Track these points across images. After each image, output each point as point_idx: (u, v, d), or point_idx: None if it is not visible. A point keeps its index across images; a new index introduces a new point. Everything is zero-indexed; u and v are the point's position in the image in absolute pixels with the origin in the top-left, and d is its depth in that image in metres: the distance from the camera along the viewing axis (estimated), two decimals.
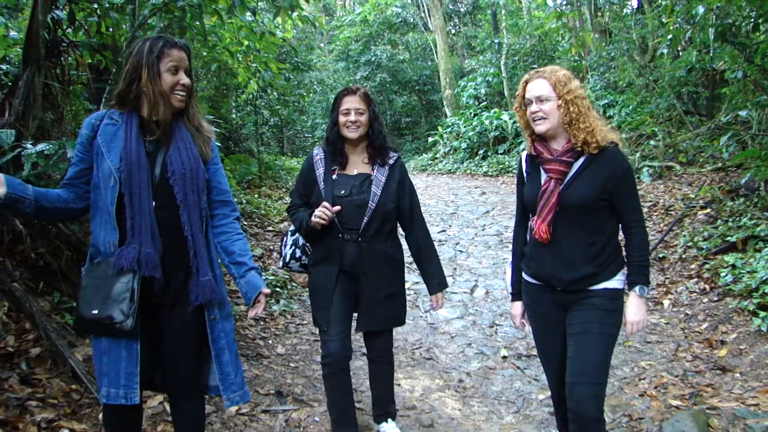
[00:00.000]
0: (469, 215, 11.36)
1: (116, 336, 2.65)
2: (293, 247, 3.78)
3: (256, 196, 12.22)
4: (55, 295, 4.60)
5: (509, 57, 20.53)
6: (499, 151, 17.84)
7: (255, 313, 2.92)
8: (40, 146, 4.47)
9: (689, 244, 7.42)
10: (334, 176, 3.62)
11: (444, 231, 10.20)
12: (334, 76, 27.65)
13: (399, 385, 4.86)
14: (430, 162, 20.64)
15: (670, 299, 6.49)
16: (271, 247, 8.70)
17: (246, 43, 10.34)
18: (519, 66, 20.87)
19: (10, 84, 6.24)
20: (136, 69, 2.70)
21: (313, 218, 3.49)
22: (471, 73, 23.23)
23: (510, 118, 17.59)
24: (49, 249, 4.83)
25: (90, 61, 6.85)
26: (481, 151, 18.46)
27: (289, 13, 9.02)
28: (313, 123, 26.90)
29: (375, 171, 3.63)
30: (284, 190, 13.93)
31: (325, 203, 3.48)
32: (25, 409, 3.44)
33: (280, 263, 3.87)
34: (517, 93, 3.13)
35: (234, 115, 15.67)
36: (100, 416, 3.64)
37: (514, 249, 3.37)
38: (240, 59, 10.67)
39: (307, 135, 24.68)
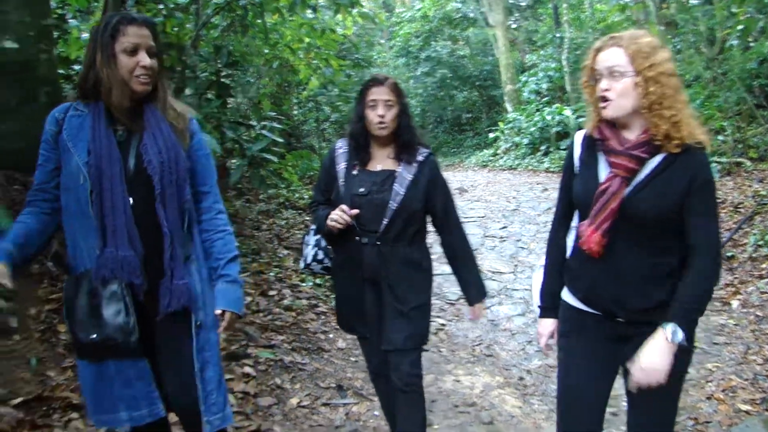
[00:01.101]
0: (531, 212, 11.23)
1: (123, 357, 2.40)
2: (315, 248, 3.43)
3: None
4: None
5: (571, 51, 20.20)
6: (561, 147, 17.55)
7: (219, 330, 2.56)
8: None
9: (760, 242, 7.17)
10: (354, 172, 3.26)
11: (505, 227, 10.12)
12: (394, 72, 27.69)
13: (459, 381, 4.86)
14: (491, 158, 20.49)
15: (739, 300, 6.30)
16: None
17: (307, 40, 10.46)
18: (581, 60, 20.50)
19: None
20: (92, 53, 2.39)
21: (328, 221, 3.17)
22: (532, 68, 22.95)
23: (572, 114, 17.32)
24: None
25: None
26: (542, 147, 18.22)
27: (349, 9, 9.10)
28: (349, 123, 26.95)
29: (400, 168, 3.22)
30: None
31: (342, 206, 3.16)
32: None
33: (302, 264, 3.54)
34: (584, 63, 2.46)
35: (296, 112, 15.87)
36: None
37: (548, 255, 2.72)
38: (301, 56, 10.79)
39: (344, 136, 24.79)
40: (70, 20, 8.10)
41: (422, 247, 3.33)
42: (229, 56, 7.24)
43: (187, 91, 7.08)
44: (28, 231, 2.41)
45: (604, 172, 2.40)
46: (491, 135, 21.92)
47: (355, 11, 11.79)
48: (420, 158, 3.24)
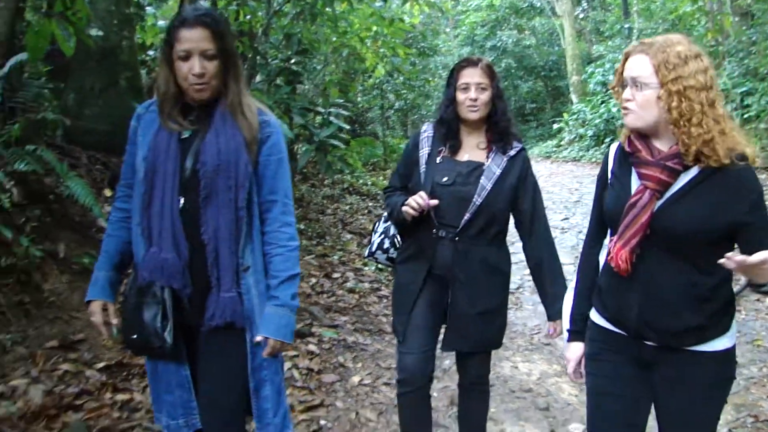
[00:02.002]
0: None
1: (165, 359, 2.32)
2: (383, 236, 3.18)
3: (380, 178, 12.50)
4: None
5: None
6: None
7: (264, 354, 2.31)
8: None
9: None
10: (439, 159, 2.98)
11: (567, 219, 10.12)
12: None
13: (517, 367, 4.94)
14: (554, 149, 20.36)
15: None
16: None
17: (375, 28, 10.59)
18: None
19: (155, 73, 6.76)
20: (160, 56, 2.33)
21: (404, 206, 2.88)
22: (599, 59, 22.64)
23: None
24: None
25: None
26: (607, 139, 17.98)
27: None
28: (438, 107, 26.95)
29: (489, 160, 2.93)
30: None
31: (421, 192, 2.86)
32: None
33: (366, 252, 3.32)
34: (616, 69, 2.29)
35: (360, 99, 16.05)
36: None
37: (580, 274, 2.53)
38: (368, 44, 10.93)
39: (431, 120, 24.81)
40: (147, 7, 8.39)
41: (503, 248, 3.06)
42: (299, 44, 7.42)
43: (258, 78, 7.31)
44: (120, 246, 2.38)
45: (635, 185, 2.20)
46: (555, 126, 21.75)
47: (421, 0, 11.90)
48: (512, 152, 2.97)
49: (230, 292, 2.26)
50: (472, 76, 2.90)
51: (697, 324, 2.11)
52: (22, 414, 3.01)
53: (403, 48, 11.20)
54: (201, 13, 2.25)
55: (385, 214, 3.23)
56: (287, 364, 4.28)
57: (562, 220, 10.01)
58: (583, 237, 2.56)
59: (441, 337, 3.11)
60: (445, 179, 2.92)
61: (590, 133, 18.70)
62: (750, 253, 1.91)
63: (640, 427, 2.33)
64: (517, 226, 3.05)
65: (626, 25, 21.11)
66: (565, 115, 20.90)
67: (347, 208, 9.29)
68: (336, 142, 6.99)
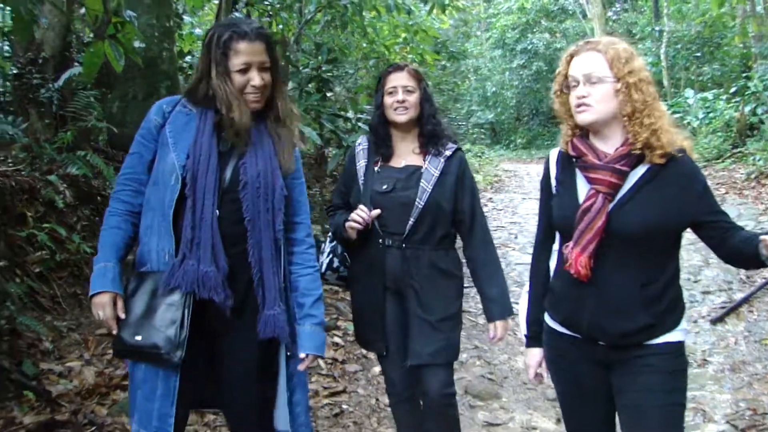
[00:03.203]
0: None
1: (157, 366, 2.24)
2: (331, 255, 3.10)
3: None
4: None
5: (670, 45, 19.82)
6: None
7: (300, 367, 2.42)
8: None
9: None
10: (376, 168, 2.97)
11: None
12: (490, 63, 27.82)
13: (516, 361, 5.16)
14: None
15: None
16: None
17: (403, 35, 10.88)
18: (680, 55, 20.11)
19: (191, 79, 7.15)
20: (206, 65, 2.28)
21: (347, 223, 2.88)
22: None
23: (668, 109, 17.05)
24: None
25: None
26: None
27: (445, 4, 9.47)
28: (469, 110, 27.20)
29: (426, 163, 2.90)
30: None
31: (361, 206, 2.87)
32: None
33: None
34: (557, 71, 2.29)
35: None
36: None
37: (532, 281, 2.53)
38: (397, 50, 11.21)
39: (461, 123, 25.02)
40: (184, 16, 8.79)
41: (451, 252, 3.00)
42: (329, 53, 7.76)
43: (290, 85, 7.66)
44: (125, 240, 2.33)
45: (583, 190, 2.22)
46: None
47: (448, 2, 12.14)
48: (447, 153, 2.93)
49: (274, 308, 2.29)
50: (398, 79, 2.91)
51: (646, 323, 2.13)
52: (77, 391, 3.39)
53: (431, 54, 11.49)
54: (258, 27, 2.31)
55: (330, 234, 3.15)
56: None
57: None
58: None
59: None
60: (384, 187, 2.91)
61: None
62: (713, 238, 2.15)
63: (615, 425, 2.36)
64: (456, 226, 2.99)
65: (657, 28, 21.07)
66: None
67: None
68: None
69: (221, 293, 2.21)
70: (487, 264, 2.97)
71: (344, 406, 4.06)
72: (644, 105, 2.10)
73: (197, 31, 8.99)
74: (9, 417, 3.07)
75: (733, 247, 2.13)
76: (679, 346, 2.20)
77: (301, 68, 7.78)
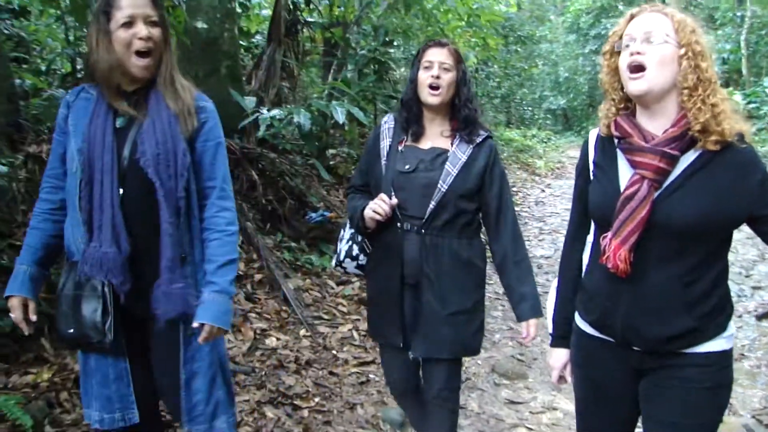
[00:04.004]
0: None
1: (102, 353, 2.25)
2: (350, 243, 2.96)
3: None
4: (277, 235, 5.62)
5: (753, 31, 19.13)
6: None
7: (200, 340, 2.21)
8: (273, 112, 5.42)
9: None
10: (401, 148, 2.81)
11: None
12: (564, 48, 27.44)
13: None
14: None
15: None
16: None
17: (466, 18, 10.91)
18: (763, 41, 19.41)
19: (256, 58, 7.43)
20: (92, 38, 2.16)
21: (366, 211, 2.74)
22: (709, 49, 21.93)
23: (743, 99, 16.55)
24: (277, 197, 5.86)
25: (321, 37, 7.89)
26: None
27: None
28: (542, 95, 26.90)
29: (454, 147, 2.74)
30: None
31: (382, 195, 2.71)
32: (247, 318, 4.40)
33: (333, 262, 3.09)
34: (612, 31, 2.03)
35: None
36: (301, 332, 4.55)
37: (562, 275, 2.33)
38: (459, 33, 11.26)
39: (527, 107, 24.76)
40: None
41: (474, 243, 2.82)
42: (385, 35, 7.91)
43: (349, 67, 7.86)
44: (45, 240, 2.29)
45: (626, 174, 1.98)
46: None
47: None
48: (478, 140, 2.76)
49: (178, 282, 2.17)
50: (436, 54, 2.74)
51: (688, 328, 1.91)
52: None
53: (494, 38, 11.52)
54: None
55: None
56: (347, 326, 4.83)
57: None
58: None
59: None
60: (407, 167, 2.75)
61: None
62: (722, 252, 1.92)
63: None
64: (483, 218, 2.85)
65: (738, 13, 20.39)
66: None
67: None
68: None
69: (119, 276, 2.13)
70: (516, 261, 2.77)
71: (371, 376, 4.24)
72: (708, 82, 1.83)
73: (265, 12, 9.26)
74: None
75: None
76: (725, 356, 1.96)
77: (358, 50, 7.94)
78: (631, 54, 1.87)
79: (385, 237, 2.79)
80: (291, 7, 7.23)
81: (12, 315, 2.24)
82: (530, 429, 3.83)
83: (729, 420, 4.05)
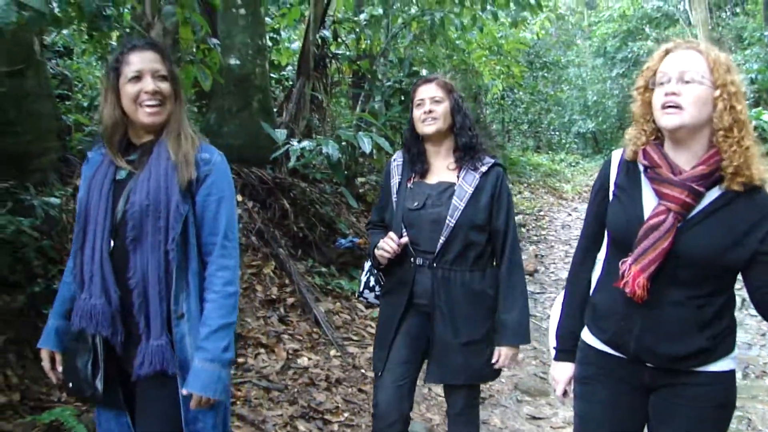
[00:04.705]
0: None
1: (102, 407, 2.23)
2: (368, 275, 3.07)
3: None
4: (308, 261, 5.87)
5: None
6: None
7: (191, 405, 2.10)
8: (304, 143, 5.68)
9: None
10: (410, 185, 2.88)
11: None
12: (591, 72, 27.52)
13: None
14: None
15: None
16: None
17: (489, 47, 11.18)
18: None
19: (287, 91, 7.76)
20: (103, 97, 2.22)
21: (376, 251, 2.83)
22: (737, 68, 21.86)
23: None
24: (307, 224, 6.12)
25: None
26: None
27: (537, 13, 9.68)
28: (571, 119, 26.96)
29: (460, 179, 2.79)
30: (525, 185, 14.65)
31: (391, 233, 2.80)
32: (280, 339, 4.64)
33: (357, 293, 3.20)
34: (646, 66, 2.05)
35: (488, 111, 16.65)
36: (331, 352, 4.77)
37: (569, 290, 2.35)
38: (484, 62, 11.52)
39: (554, 132, 24.84)
40: (282, 32, 9.42)
41: (487, 273, 2.84)
42: (410, 67, 8.17)
43: (376, 98, 8.13)
44: (71, 292, 2.27)
45: (650, 201, 2.02)
46: None
47: (543, 16, 12.35)
48: (483, 168, 2.81)
49: (159, 339, 2.09)
50: (426, 91, 2.82)
51: (700, 348, 1.98)
52: None
53: (519, 66, 11.75)
54: (150, 40, 2.26)
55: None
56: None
57: None
58: None
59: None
60: (415, 204, 2.82)
61: None
62: (756, 283, 1.94)
63: None
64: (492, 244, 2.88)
65: (766, 33, 20.35)
66: None
67: None
68: None
69: (108, 328, 2.09)
70: (510, 288, 2.81)
71: None
72: (743, 124, 1.88)
73: (294, 45, 9.60)
74: None
75: None
76: (731, 375, 2.06)
77: (384, 82, 8.21)
78: (666, 94, 1.90)
79: (398, 271, 2.87)
80: (319, 41, 7.53)
81: (43, 364, 2.31)
82: None
83: None
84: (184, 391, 2.09)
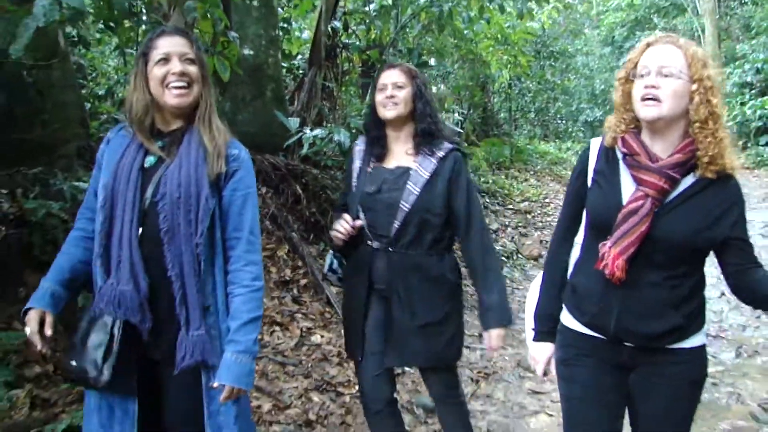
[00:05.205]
0: None
1: (103, 392, 2.15)
2: (332, 257, 3.07)
3: (503, 177, 13.18)
4: (320, 244, 6.10)
5: None
6: (761, 143, 17.01)
7: (221, 399, 2.12)
8: (316, 131, 5.88)
9: None
10: (369, 169, 2.90)
11: None
12: (599, 61, 27.56)
13: None
14: None
15: None
16: (507, 223, 9.74)
17: (498, 36, 11.29)
18: None
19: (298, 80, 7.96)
20: (132, 79, 2.23)
21: (331, 232, 2.89)
22: (743, 58, 21.95)
23: None
24: (319, 209, 6.35)
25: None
26: (740, 142, 17.65)
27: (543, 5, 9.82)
28: (578, 108, 27.04)
29: (417, 164, 2.79)
30: (531, 172, 14.80)
31: (345, 215, 2.85)
32: (294, 318, 4.89)
33: (322, 275, 3.10)
34: (628, 58, 2.15)
35: (496, 100, 16.76)
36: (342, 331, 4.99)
37: (547, 272, 2.43)
38: (491, 51, 11.64)
39: (559, 120, 24.90)
40: (293, 22, 9.59)
41: (445, 257, 2.86)
42: (419, 57, 8.34)
43: None
44: (73, 263, 2.25)
45: (628, 187, 2.13)
46: None
47: (551, 6, 12.45)
48: (441, 153, 2.80)
49: (200, 330, 2.11)
50: (389, 76, 2.84)
51: (676, 325, 2.08)
52: None
53: (525, 56, 11.88)
54: (179, 27, 2.26)
55: None
56: None
57: None
58: None
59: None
60: (372, 188, 2.83)
61: None
62: (733, 265, 2.09)
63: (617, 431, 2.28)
64: (454, 229, 2.88)
65: None
66: None
67: None
68: None
69: (137, 315, 2.09)
70: (485, 270, 2.81)
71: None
72: (717, 117, 1.99)
73: (305, 35, 9.78)
74: None
75: (751, 282, 2.09)
76: (703, 350, 2.17)
77: None
78: (646, 87, 2.01)
79: (357, 254, 2.91)
80: (330, 32, 7.73)
81: (27, 328, 2.12)
82: (551, 415, 4.22)
83: (736, 407, 4.40)
84: (215, 384, 2.11)
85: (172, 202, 2.09)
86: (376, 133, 2.92)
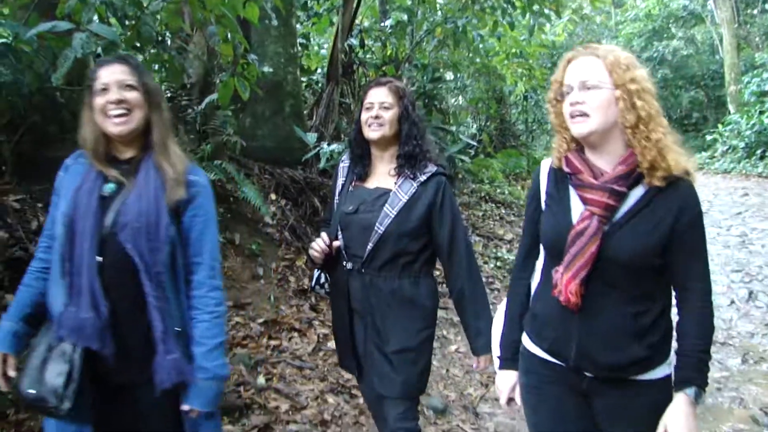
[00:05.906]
0: (718, 215, 11.38)
1: (58, 418, 2.13)
2: (319, 271, 3.01)
3: (519, 187, 13.33)
4: None
5: None
6: None
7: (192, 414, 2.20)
8: (333, 146, 6.12)
9: None
10: (351, 188, 2.86)
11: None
12: None
13: None
14: (707, 160, 19.86)
15: None
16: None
17: (513, 50, 11.49)
18: None
19: (317, 94, 8.22)
20: (81, 108, 2.23)
21: (309, 249, 2.86)
22: (762, 66, 21.90)
23: None
24: None
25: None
26: (758, 151, 17.60)
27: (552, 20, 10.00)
28: None
29: (397, 186, 2.74)
30: None
31: (323, 234, 2.83)
32: (311, 324, 5.11)
33: (309, 287, 3.05)
34: (552, 78, 2.10)
35: (513, 112, 16.93)
36: None
37: (511, 299, 2.35)
38: (506, 65, 11.84)
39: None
40: (312, 38, 9.86)
41: (420, 281, 2.76)
42: (433, 73, 8.59)
43: None
44: (34, 298, 2.25)
45: (578, 208, 2.05)
46: (708, 137, 21.33)
47: (566, 19, 12.63)
48: (422, 177, 2.73)
49: (174, 353, 2.13)
50: (376, 95, 2.77)
51: (640, 356, 1.99)
52: None
53: (540, 69, 12.05)
54: (123, 55, 2.31)
55: None
56: None
57: None
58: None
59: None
60: (350, 207, 2.79)
61: (742, 144, 18.30)
62: (675, 278, 1.99)
63: None
64: (437, 255, 2.82)
65: None
66: (720, 126, 20.49)
67: (480, 214, 10.25)
68: (463, 157, 8.13)
69: (97, 342, 2.08)
70: (472, 297, 2.75)
71: None
72: (650, 118, 1.92)
73: (323, 51, 10.06)
74: None
75: (679, 326, 2.02)
76: (668, 380, 2.05)
77: (409, 86, 8.64)
78: (571, 104, 1.96)
79: (337, 272, 2.87)
80: (347, 49, 7.99)
81: None
82: None
83: (738, 411, 4.55)
84: (185, 407, 2.18)
85: (133, 231, 2.11)
86: (360, 151, 2.88)
